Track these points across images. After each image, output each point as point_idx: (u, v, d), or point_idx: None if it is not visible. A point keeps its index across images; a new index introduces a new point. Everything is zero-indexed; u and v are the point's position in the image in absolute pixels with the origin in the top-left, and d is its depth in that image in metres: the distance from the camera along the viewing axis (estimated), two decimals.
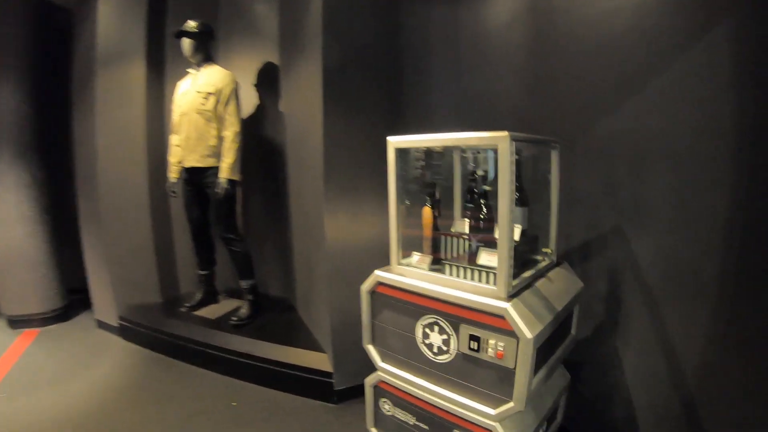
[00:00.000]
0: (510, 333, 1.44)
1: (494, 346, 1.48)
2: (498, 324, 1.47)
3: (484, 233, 1.65)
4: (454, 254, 1.86)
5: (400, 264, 1.78)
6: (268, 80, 3.51)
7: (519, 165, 1.75)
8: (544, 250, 1.83)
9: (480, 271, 1.58)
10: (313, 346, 2.77)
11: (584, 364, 2.04)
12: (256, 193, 3.67)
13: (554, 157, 1.79)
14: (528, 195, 1.77)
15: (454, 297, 1.55)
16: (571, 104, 2.00)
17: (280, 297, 3.67)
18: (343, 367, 2.51)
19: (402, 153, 1.75)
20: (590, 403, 2.04)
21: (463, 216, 1.89)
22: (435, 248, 1.82)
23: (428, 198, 1.79)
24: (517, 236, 1.72)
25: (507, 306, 1.44)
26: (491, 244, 1.65)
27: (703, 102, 1.58)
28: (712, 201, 1.56)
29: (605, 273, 1.94)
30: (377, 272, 1.79)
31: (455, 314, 1.57)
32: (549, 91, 2.11)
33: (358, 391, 2.35)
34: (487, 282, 1.56)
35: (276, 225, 3.60)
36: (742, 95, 1.48)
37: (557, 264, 1.86)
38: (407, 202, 1.80)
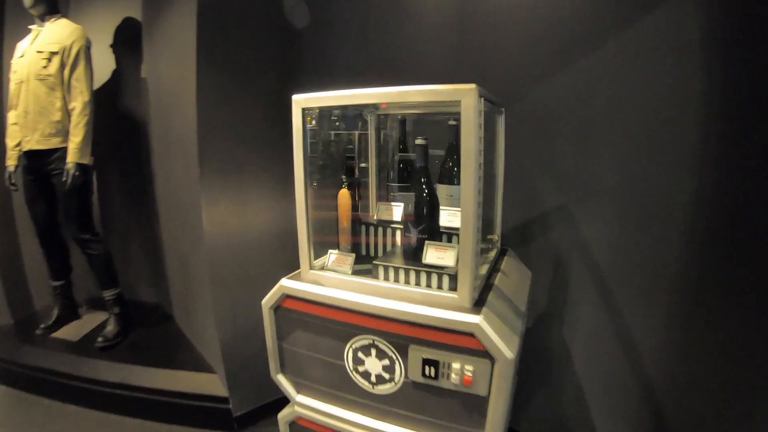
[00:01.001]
0: (481, 353, 1.07)
1: (459, 371, 1.09)
2: (464, 343, 1.09)
3: (424, 221, 1.24)
4: (383, 250, 1.43)
5: (313, 269, 1.31)
6: (127, 39, 2.78)
7: (457, 131, 1.38)
8: (489, 237, 1.49)
9: (429, 273, 1.18)
10: (201, 365, 2.25)
11: (528, 360, 1.78)
12: (115, 179, 3.05)
13: (500, 124, 1.45)
14: None
15: (400, 312, 1.13)
16: (506, 71, 1.68)
17: (153, 304, 3.10)
18: (240, 388, 2.02)
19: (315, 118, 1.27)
20: (538, 401, 1.80)
21: (390, 199, 1.47)
22: (356, 243, 1.37)
23: (345, 177, 1.33)
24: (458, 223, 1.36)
25: (477, 320, 1.06)
26: (434, 235, 1.26)
27: (663, 72, 1.36)
28: (670, 185, 1.37)
29: (549, 259, 1.68)
30: (284, 282, 1.29)
31: (400, 333, 1.15)
32: (477, 54, 1.76)
33: (263, 413, 1.96)
34: (440, 287, 1.17)
35: (141, 217, 2.96)
36: (707, 64, 1.28)
37: (503, 252, 1.54)
38: (315, 184, 1.32)
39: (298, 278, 1.32)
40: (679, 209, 1.38)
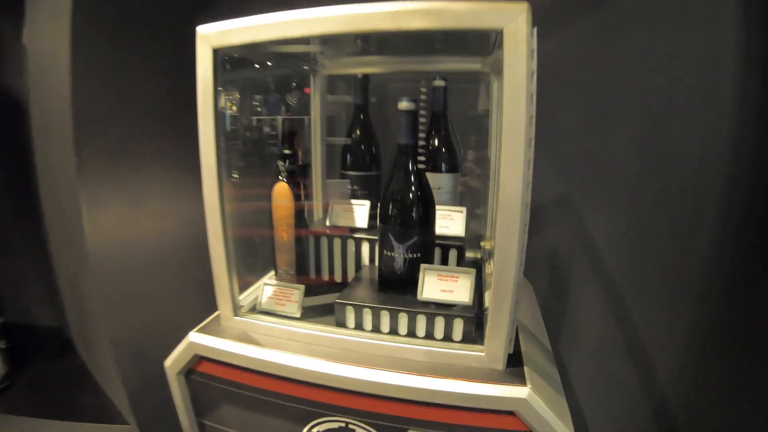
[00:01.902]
0: None
1: None
2: (496, 424, 0.69)
3: (414, 230, 0.80)
4: (343, 274, 0.97)
5: (238, 314, 0.82)
6: None
7: (445, 95, 0.95)
8: (482, 244, 1.08)
9: (431, 316, 0.75)
10: (110, 413, 1.63)
11: None
12: None
13: (495, 88, 1.02)
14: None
15: (394, 387, 0.69)
16: None
17: (51, 329, 2.33)
18: None
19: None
20: None
21: (353, 195, 0.99)
22: (302, 264, 0.90)
23: (283, 164, 0.85)
24: (461, 229, 0.93)
25: (525, 393, 0.66)
26: (429, 252, 0.83)
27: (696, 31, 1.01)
28: (701, 171, 1.05)
29: (547, 262, 1.32)
30: (195, 338, 0.80)
31: (393, 414, 0.71)
32: None
33: None
34: (449, 336, 0.75)
35: (29, 222, 2.15)
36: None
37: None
38: (235, 176, 0.83)
39: (216, 329, 0.82)
40: (710, 201, 1.07)
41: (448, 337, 0.76)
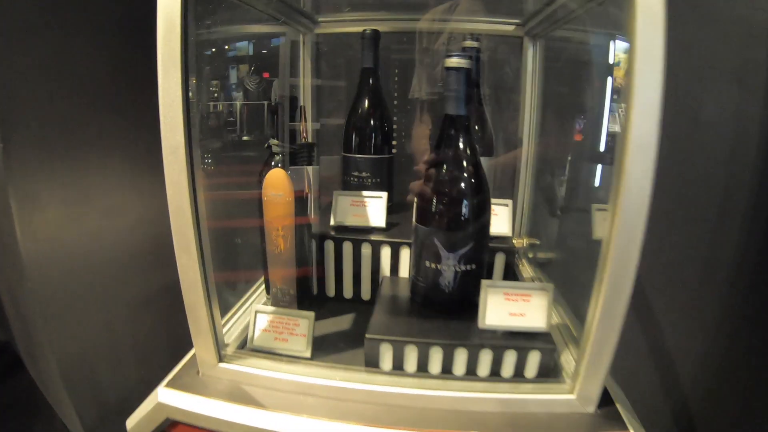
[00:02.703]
0: None
1: None
2: None
3: (469, 234, 0.59)
4: (355, 289, 0.74)
5: (223, 359, 0.58)
6: None
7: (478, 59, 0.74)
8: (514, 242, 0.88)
9: (499, 350, 0.55)
10: None
11: None
12: None
13: (530, 55, 0.82)
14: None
15: None
16: None
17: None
18: None
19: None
20: None
21: (361, 185, 0.75)
22: (303, 280, 0.67)
23: (276, 143, 0.60)
24: (508, 227, 0.73)
25: None
26: (482, 261, 0.62)
27: None
28: (733, 157, 0.93)
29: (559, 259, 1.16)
30: (164, 395, 0.56)
31: None
32: None
33: None
34: (520, 374, 0.56)
35: None
36: None
37: None
38: (209, 162, 0.58)
39: (194, 381, 0.58)
40: (735, 201, 0.96)
41: (518, 374, 0.57)
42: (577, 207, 0.83)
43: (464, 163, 0.57)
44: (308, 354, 0.59)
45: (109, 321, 1.01)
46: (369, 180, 0.73)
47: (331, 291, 0.73)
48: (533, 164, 0.85)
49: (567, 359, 0.61)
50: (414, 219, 0.61)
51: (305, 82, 0.81)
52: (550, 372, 0.57)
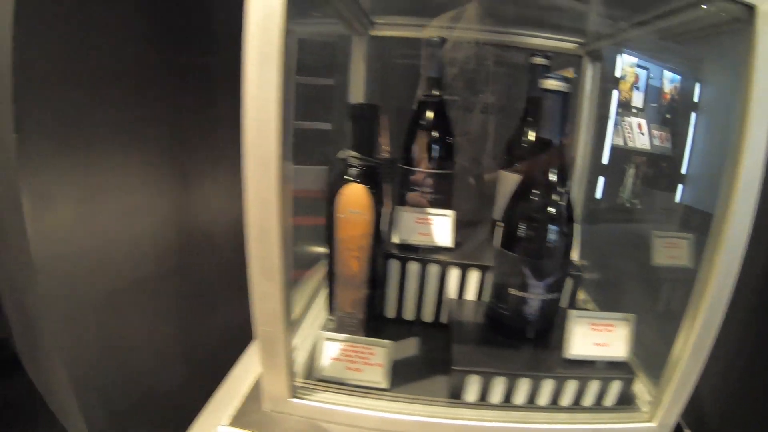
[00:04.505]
0: None
1: None
2: None
3: (556, 259, 0.57)
4: (417, 312, 0.70)
5: (297, 394, 0.52)
6: None
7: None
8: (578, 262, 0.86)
9: (583, 381, 0.55)
10: None
11: None
12: None
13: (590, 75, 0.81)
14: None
15: None
16: None
17: None
18: None
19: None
20: None
21: (417, 200, 0.69)
22: (372, 297, 0.62)
23: (356, 156, 0.55)
24: (576, 252, 0.72)
25: None
26: (559, 284, 0.61)
27: None
28: None
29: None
30: None
31: None
32: None
33: None
34: (599, 403, 0.56)
35: None
36: None
37: None
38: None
39: (258, 420, 0.51)
40: None
41: (598, 403, 0.57)
42: (629, 230, 0.84)
43: (558, 189, 0.56)
44: (385, 385, 0.55)
45: (122, 326, 0.90)
46: (430, 197, 0.68)
47: (391, 312, 0.68)
48: (586, 187, 0.85)
49: (637, 387, 0.61)
50: (498, 243, 0.58)
51: (356, 87, 0.75)
52: (626, 400, 0.57)
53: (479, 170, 0.77)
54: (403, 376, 0.57)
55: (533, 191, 0.56)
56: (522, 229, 0.56)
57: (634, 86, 0.91)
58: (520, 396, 0.55)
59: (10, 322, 1.43)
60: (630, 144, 0.88)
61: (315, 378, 0.56)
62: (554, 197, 0.55)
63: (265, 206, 0.46)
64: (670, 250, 0.66)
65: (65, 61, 0.79)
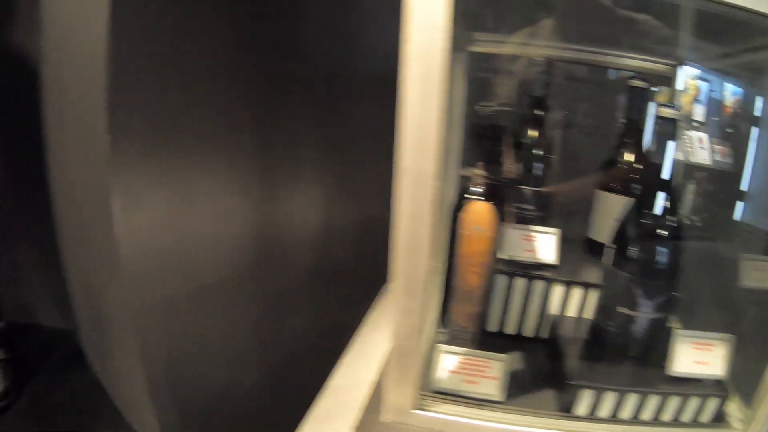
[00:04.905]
0: None
1: None
2: None
3: (670, 283, 0.59)
4: (519, 327, 0.71)
5: (422, 408, 0.53)
6: None
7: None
8: None
9: (685, 398, 0.57)
10: None
11: None
12: None
13: None
14: None
15: None
16: None
17: (60, 332, 1.76)
18: None
19: None
20: None
21: (521, 218, 0.70)
22: (484, 312, 0.63)
23: (484, 173, 0.56)
24: None
25: None
26: (671, 307, 0.63)
27: None
28: None
29: None
30: None
31: None
32: None
33: None
34: (697, 420, 0.59)
35: (39, 208, 1.43)
36: None
37: None
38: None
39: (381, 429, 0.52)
40: None
41: (696, 420, 0.59)
42: (691, 248, 0.88)
43: (672, 212, 0.58)
44: (501, 398, 0.56)
45: (199, 327, 0.89)
46: (533, 213, 0.70)
47: (493, 326, 0.70)
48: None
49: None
50: (608, 261, 0.60)
51: (455, 101, 0.75)
52: (719, 417, 0.60)
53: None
54: (513, 389, 0.59)
55: (647, 213, 0.58)
56: (636, 251, 0.58)
57: (696, 99, 0.93)
58: (627, 410, 0.57)
59: (77, 316, 1.40)
60: (691, 159, 0.90)
61: (431, 390, 0.57)
62: (669, 220, 0.57)
63: (417, 225, 0.47)
64: (758, 273, 0.69)
65: (159, 66, 0.77)
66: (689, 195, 0.92)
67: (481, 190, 0.56)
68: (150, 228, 0.81)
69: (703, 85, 0.94)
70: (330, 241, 1.07)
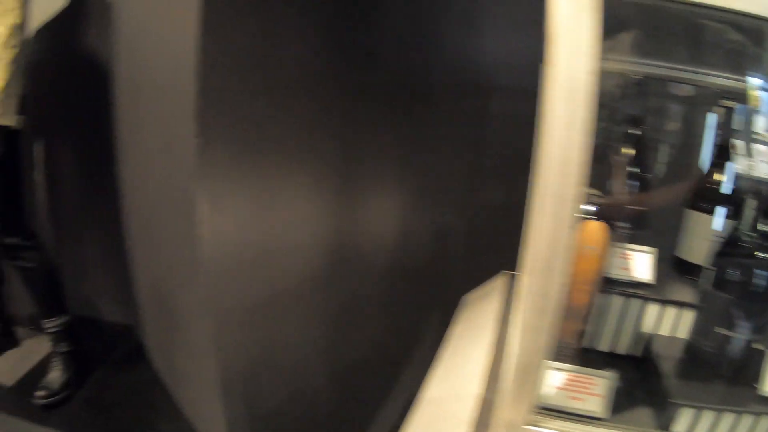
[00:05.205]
0: None
1: None
2: None
3: (760, 301, 0.61)
4: (612, 345, 0.71)
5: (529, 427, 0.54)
6: None
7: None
8: None
9: None
10: None
11: None
12: (66, 152, 1.77)
13: None
14: None
15: None
16: None
17: (121, 327, 1.97)
18: None
19: None
20: None
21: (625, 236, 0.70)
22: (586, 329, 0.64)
23: (601, 195, 0.56)
24: None
25: None
26: (765, 325, 0.65)
27: None
28: None
29: None
30: None
31: None
32: None
33: None
34: None
35: (106, 206, 1.70)
36: None
37: None
38: None
39: None
40: None
41: None
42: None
43: None
44: (606, 415, 0.57)
45: (276, 333, 0.89)
46: (630, 232, 0.70)
47: (590, 343, 0.70)
48: None
49: None
50: (705, 282, 0.61)
51: None
52: None
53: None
54: (613, 406, 0.60)
55: (745, 233, 0.59)
56: (738, 274, 0.59)
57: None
58: (722, 429, 0.59)
59: (142, 314, 1.38)
60: (754, 173, 0.92)
61: (538, 406, 0.57)
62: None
63: (554, 246, 0.47)
64: None
65: (248, 73, 0.77)
66: (749, 209, 0.94)
67: (594, 209, 0.57)
68: (232, 231, 0.80)
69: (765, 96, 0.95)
70: (404, 249, 1.08)
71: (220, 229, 0.79)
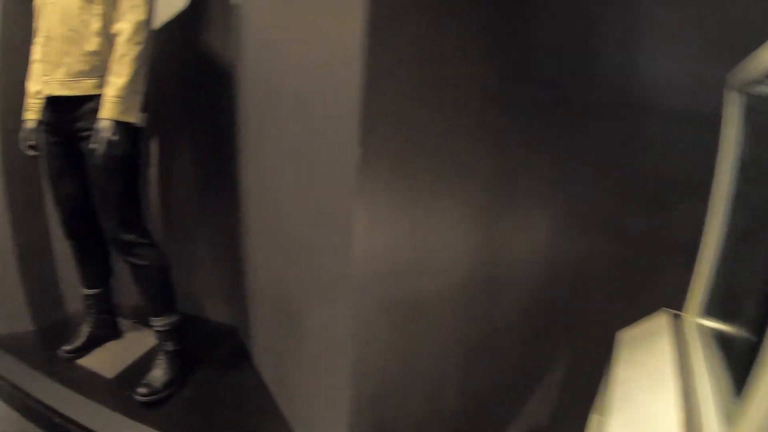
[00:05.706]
0: None
1: None
2: None
3: None
4: None
5: None
6: None
7: None
8: None
9: None
10: None
11: None
12: (184, 151, 1.88)
13: None
14: None
15: None
16: None
17: (226, 328, 2.09)
18: None
19: None
20: None
21: None
22: None
23: None
24: None
25: None
26: None
27: None
28: None
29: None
30: None
31: None
32: None
33: None
34: None
35: (223, 209, 1.84)
36: None
37: None
38: None
39: None
40: None
41: None
42: None
43: None
44: None
45: (412, 348, 0.91)
46: None
47: None
48: None
49: None
50: None
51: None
52: None
53: None
54: None
55: None
56: None
57: None
58: None
59: (253, 317, 1.41)
60: None
61: None
62: None
63: None
64: None
65: (412, 84, 0.77)
66: None
67: None
68: (384, 245, 0.82)
69: None
70: (551, 274, 1.07)
71: (374, 237, 0.80)
